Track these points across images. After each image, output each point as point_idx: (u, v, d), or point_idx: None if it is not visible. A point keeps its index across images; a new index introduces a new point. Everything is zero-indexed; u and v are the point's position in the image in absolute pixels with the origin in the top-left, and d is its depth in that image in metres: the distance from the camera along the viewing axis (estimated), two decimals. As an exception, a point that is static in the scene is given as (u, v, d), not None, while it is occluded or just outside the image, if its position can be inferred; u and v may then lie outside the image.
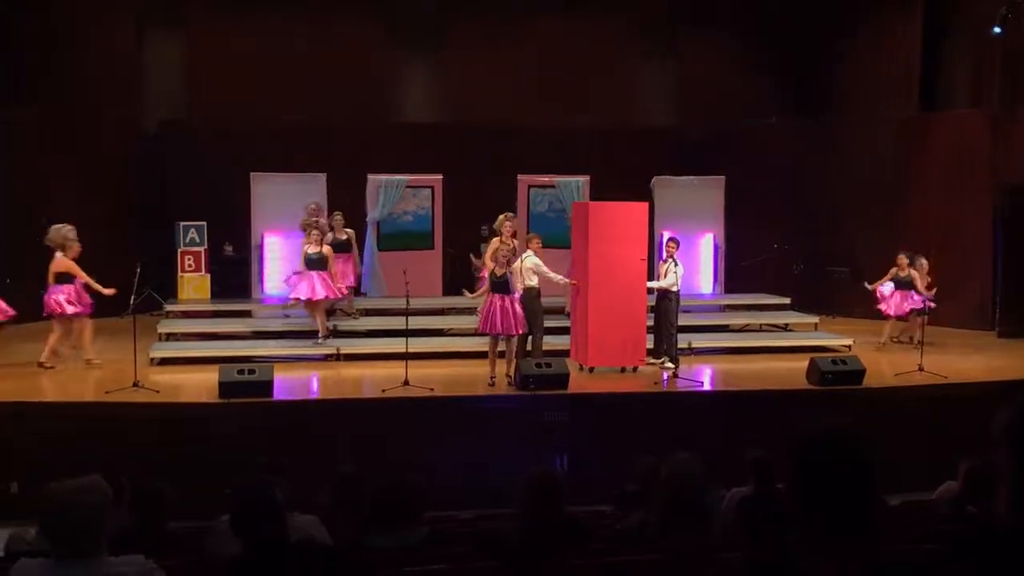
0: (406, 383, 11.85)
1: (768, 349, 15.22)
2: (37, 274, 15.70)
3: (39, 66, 17.44)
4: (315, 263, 14.11)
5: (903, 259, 15.14)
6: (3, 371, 12.78)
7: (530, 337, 13.14)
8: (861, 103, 19.07)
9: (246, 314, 16.21)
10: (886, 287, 15.19)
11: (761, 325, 16.68)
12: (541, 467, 5.80)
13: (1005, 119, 16.88)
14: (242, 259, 17.24)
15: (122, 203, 17.60)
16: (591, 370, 13.17)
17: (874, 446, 2.71)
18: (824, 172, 18.95)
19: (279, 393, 11.66)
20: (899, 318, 15.22)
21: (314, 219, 15.06)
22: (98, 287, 13.07)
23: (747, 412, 11.90)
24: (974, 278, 17.18)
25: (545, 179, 17.70)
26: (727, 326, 16.51)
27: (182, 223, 16.90)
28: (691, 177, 18.12)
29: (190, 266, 16.70)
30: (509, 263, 12.50)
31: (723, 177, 18.03)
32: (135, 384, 11.53)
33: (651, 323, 13.59)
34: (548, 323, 13.58)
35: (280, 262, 16.18)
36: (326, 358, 14.02)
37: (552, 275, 13.34)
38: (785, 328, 16.41)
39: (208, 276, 16.92)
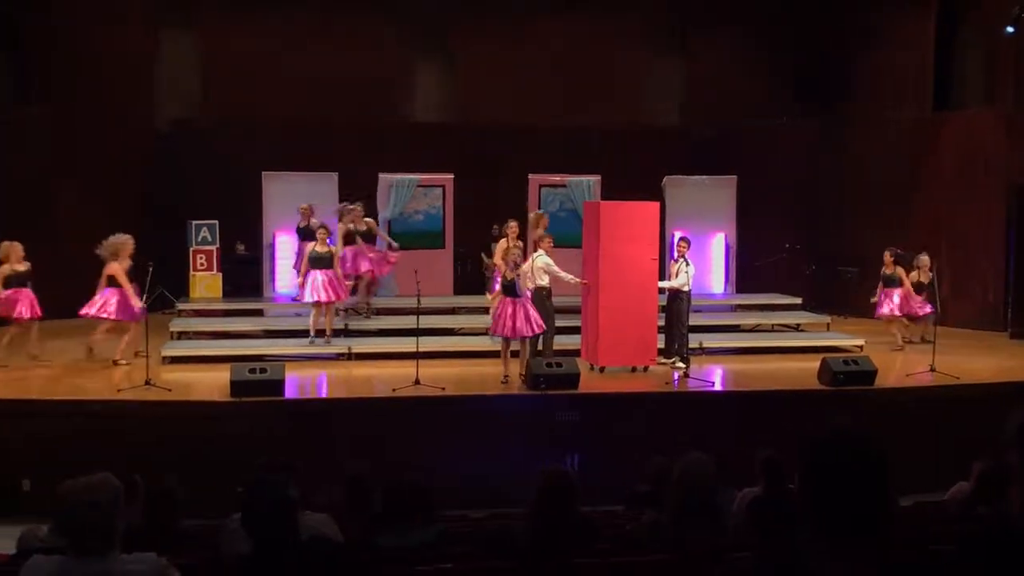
0: (417, 382, 11.85)
1: (780, 349, 15.19)
2: (47, 273, 15.80)
3: (51, 66, 17.51)
4: (321, 262, 14.13)
5: (888, 256, 15.18)
6: (18, 369, 12.87)
7: (540, 337, 13.14)
8: (873, 102, 19.01)
9: (258, 313, 16.26)
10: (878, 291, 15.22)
11: (773, 325, 16.65)
12: (553, 467, 5.80)
13: (1018, 119, 16.82)
14: (254, 258, 17.29)
15: (134, 202, 17.64)
16: (602, 370, 13.16)
17: (885, 447, 2.71)
18: (836, 172, 18.92)
19: (290, 392, 11.69)
20: (895, 316, 15.19)
21: (351, 207, 15.22)
22: (135, 300, 13.11)
23: (758, 412, 11.88)
24: (986, 279, 17.13)
25: (556, 179, 17.71)
26: (738, 326, 16.49)
27: (194, 222, 16.94)
28: (702, 177, 18.10)
29: (202, 265, 16.74)
30: (517, 265, 12.48)
31: (734, 177, 18.02)
32: (147, 382, 11.56)
33: (662, 323, 13.58)
34: (559, 323, 13.58)
35: (292, 261, 16.23)
36: (337, 357, 14.03)
37: (563, 274, 13.35)
38: (797, 328, 16.38)
39: (220, 275, 16.96)
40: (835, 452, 2.64)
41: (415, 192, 17.20)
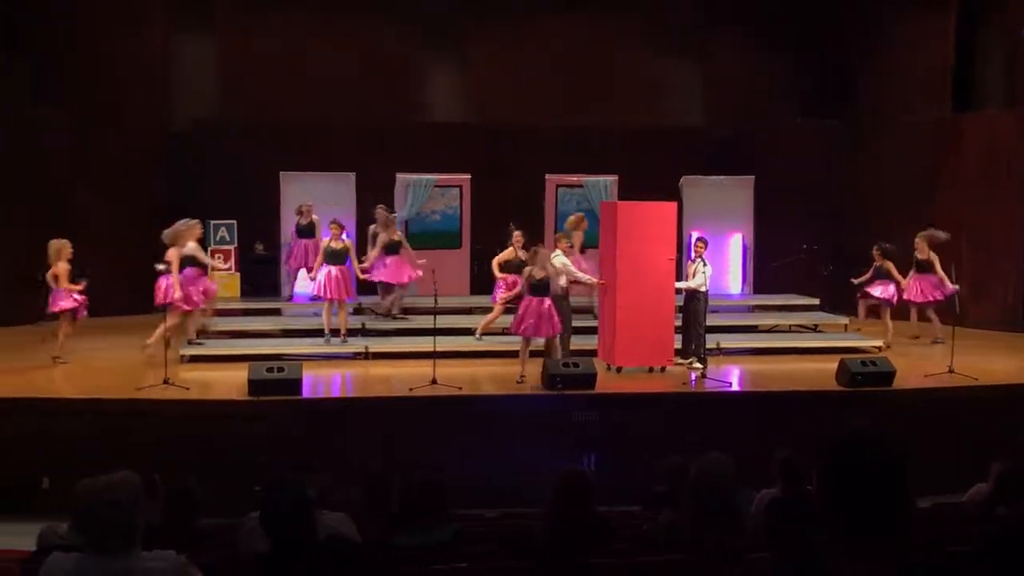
0: (434, 382, 11.87)
1: (797, 350, 15.13)
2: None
3: (69, 68, 17.60)
4: (335, 257, 14.17)
5: (876, 252, 15.29)
6: (38, 368, 12.97)
7: (558, 337, 13.15)
8: (892, 103, 18.92)
9: (275, 312, 16.30)
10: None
11: (790, 326, 16.59)
12: (571, 467, 5.81)
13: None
14: (272, 258, 17.34)
15: (152, 203, 17.70)
16: (619, 370, 13.15)
17: (904, 448, 2.70)
18: (854, 173, 18.84)
19: (308, 391, 11.72)
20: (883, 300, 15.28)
21: (392, 216, 15.46)
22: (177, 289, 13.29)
23: (776, 413, 11.85)
24: (1007, 280, 17.05)
25: (573, 179, 17.71)
26: (756, 327, 16.43)
27: (212, 222, 16.99)
28: (720, 177, 18.06)
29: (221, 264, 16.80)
30: (544, 266, 12.48)
31: (752, 177, 17.98)
32: (165, 381, 11.62)
33: (679, 323, 13.56)
34: (575, 323, 13.57)
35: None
36: (354, 356, 14.06)
37: (580, 275, 13.35)
38: (814, 329, 16.33)
39: (238, 274, 17.02)
40: (854, 452, 2.64)
41: (432, 192, 17.23)
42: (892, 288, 15.13)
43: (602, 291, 13.58)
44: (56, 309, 13.18)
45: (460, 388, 11.85)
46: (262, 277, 17.36)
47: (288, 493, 4.91)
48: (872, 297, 15.29)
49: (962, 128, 18.03)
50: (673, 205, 13.64)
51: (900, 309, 15.48)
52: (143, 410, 11.15)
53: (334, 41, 19.01)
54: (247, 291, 17.03)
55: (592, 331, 13.92)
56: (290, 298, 16.53)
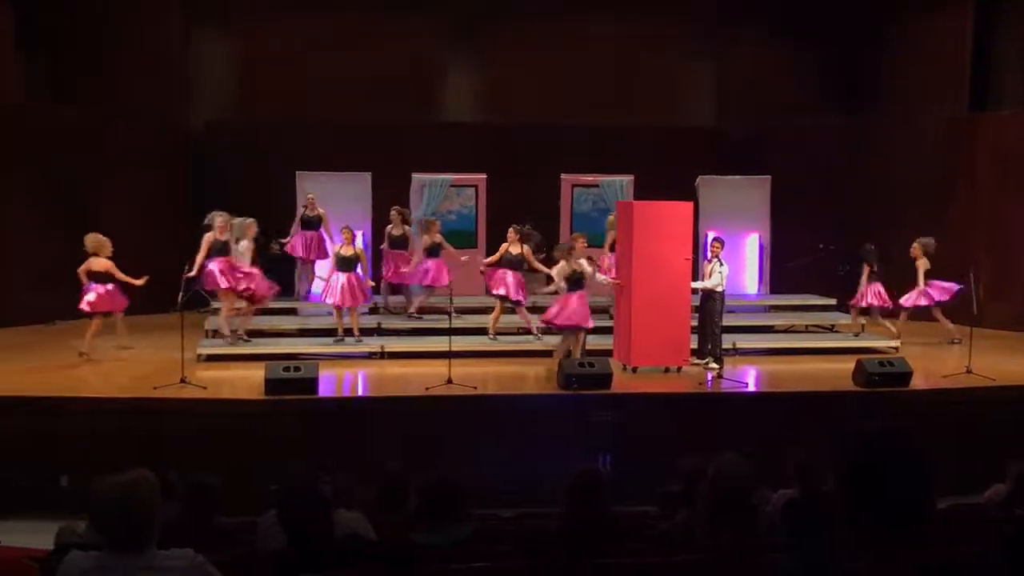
0: (449, 381, 11.88)
1: (814, 350, 15.09)
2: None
3: (86, 65, 17.71)
4: (346, 264, 14.17)
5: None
6: (55, 366, 13.03)
7: (574, 336, 13.16)
8: (909, 102, 18.86)
9: (292, 312, 16.33)
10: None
11: (807, 326, 16.54)
12: (586, 466, 5.81)
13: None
14: (288, 257, 17.35)
15: (169, 201, 17.80)
16: (634, 370, 13.14)
17: (922, 448, 2.69)
18: (871, 172, 18.77)
19: (324, 390, 11.75)
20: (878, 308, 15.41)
21: (431, 219, 15.66)
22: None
23: (792, 413, 11.81)
24: (1022, 280, 16.94)
25: (589, 178, 17.70)
26: (772, 327, 16.39)
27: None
28: (736, 176, 18.02)
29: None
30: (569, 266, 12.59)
31: (768, 177, 17.94)
32: (182, 380, 11.66)
33: (695, 323, 13.54)
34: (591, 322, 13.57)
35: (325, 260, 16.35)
36: (370, 356, 14.09)
37: (598, 276, 13.35)
38: (831, 329, 16.27)
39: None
40: (875, 453, 2.63)
41: (448, 192, 17.23)
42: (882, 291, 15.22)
43: (618, 291, 13.56)
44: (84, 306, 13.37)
45: (475, 388, 11.86)
46: (278, 276, 17.36)
47: (305, 492, 4.93)
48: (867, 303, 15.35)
49: (978, 128, 17.95)
50: (689, 205, 13.61)
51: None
52: (160, 409, 11.19)
53: (350, 41, 19.05)
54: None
55: (608, 331, 13.91)
56: (306, 296, 16.55)
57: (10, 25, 16.77)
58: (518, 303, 14.30)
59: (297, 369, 11.64)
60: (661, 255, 12.99)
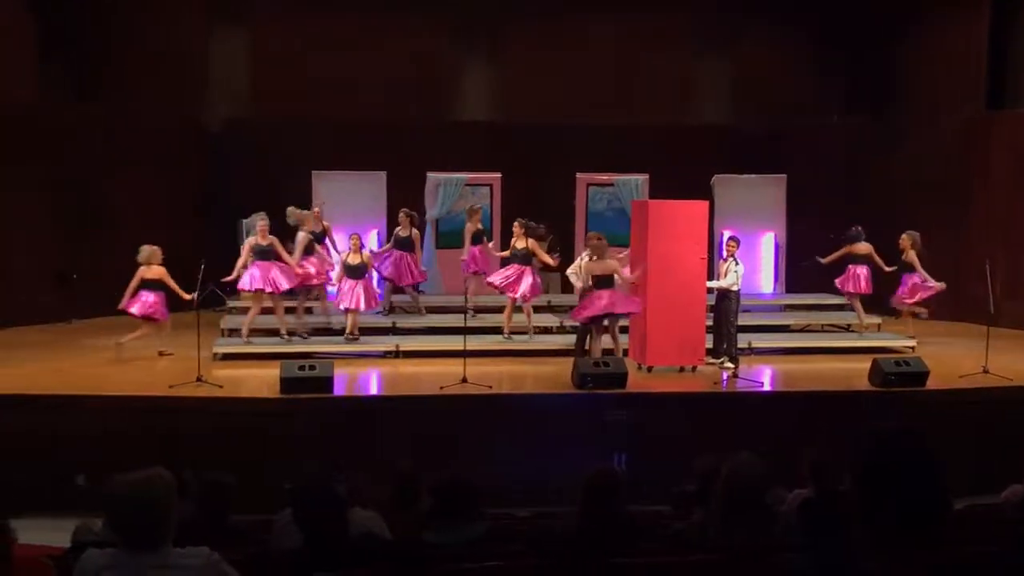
0: (464, 380, 11.89)
1: (830, 350, 15.04)
2: (98, 270, 16.04)
3: (103, 64, 17.80)
4: (355, 271, 14.16)
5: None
6: (69, 365, 13.09)
7: (588, 336, 13.15)
8: (925, 101, 18.78)
9: (307, 311, 16.34)
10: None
11: (822, 325, 16.49)
12: (601, 465, 5.80)
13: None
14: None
15: (187, 200, 17.86)
16: (649, 369, 13.12)
17: (939, 448, 2.68)
18: (887, 171, 18.69)
19: (339, 389, 11.77)
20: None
21: (477, 207, 15.77)
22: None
23: (808, 413, 11.78)
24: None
25: (604, 177, 17.68)
26: (788, 326, 16.34)
27: (244, 220, 17.08)
28: (752, 175, 17.98)
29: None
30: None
31: (784, 175, 17.89)
32: (198, 379, 11.71)
33: (710, 322, 13.51)
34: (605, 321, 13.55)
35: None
36: (385, 355, 14.11)
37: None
38: (847, 328, 16.21)
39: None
40: (891, 452, 2.62)
41: (462, 191, 17.23)
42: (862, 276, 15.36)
43: (633, 290, 13.54)
44: (125, 307, 13.47)
45: (490, 387, 11.87)
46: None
47: (321, 491, 4.94)
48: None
49: (995, 127, 17.84)
50: (704, 204, 13.59)
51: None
52: (176, 407, 11.23)
53: (367, 40, 19.10)
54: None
55: (623, 330, 13.89)
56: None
57: (28, 24, 16.83)
58: (515, 299, 14.30)
59: (312, 368, 11.66)
60: (676, 254, 12.96)
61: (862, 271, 15.32)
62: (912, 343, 14.67)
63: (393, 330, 15.05)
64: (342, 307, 14.23)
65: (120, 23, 17.98)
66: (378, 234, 16.55)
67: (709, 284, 13.45)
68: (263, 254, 13.97)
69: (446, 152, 18.11)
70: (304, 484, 5.06)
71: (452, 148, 18.35)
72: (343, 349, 14.07)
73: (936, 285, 15.02)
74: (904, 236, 15.30)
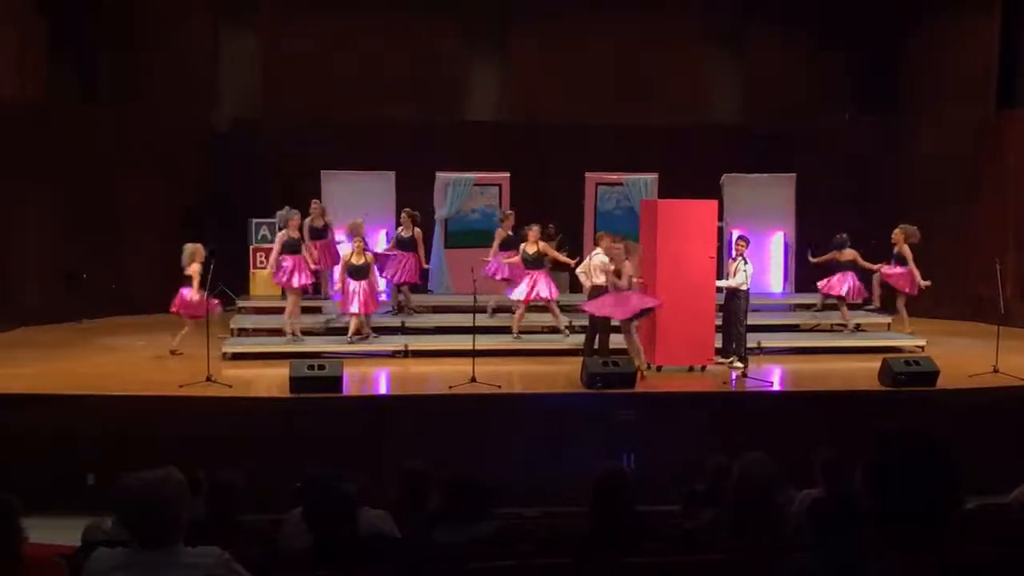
0: (473, 380, 11.89)
1: (839, 349, 15.02)
2: (110, 269, 16.07)
3: (112, 64, 17.82)
4: (359, 272, 14.09)
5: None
6: (80, 365, 13.13)
7: (597, 335, 13.15)
8: (935, 100, 18.73)
9: (316, 310, 16.37)
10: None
11: (832, 325, 16.45)
12: (610, 465, 5.80)
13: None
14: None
15: (195, 200, 17.88)
16: (659, 369, 13.11)
17: (949, 448, 2.67)
18: (898, 170, 18.65)
19: (348, 389, 11.78)
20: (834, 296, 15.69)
21: (508, 212, 15.76)
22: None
23: (817, 413, 11.76)
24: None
25: (613, 177, 17.66)
26: (797, 326, 16.31)
27: (254, 220, 17.12)
28: (761, 175, 17.95)
29: (262, 263, 16.86)
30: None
31: (794, 175, 17.86)
32: (208, 379, 11.73)
33: (720, 322, 13.49)
34: (615, 320, 13.55)
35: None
36: (394, 354, 14.12)
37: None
38: (857, 328, 16.18)
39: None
40: (900, 452, 2.61)
41: (471, 191, 17.24)
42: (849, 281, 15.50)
43: (642, 290, 13.53)
44: (176, 309, 13.62)
45: (499, 386, 11.87)
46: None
47: (331, 490, 4.94)
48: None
49: (1005, 126, 17.78)
50: (714, 203, 13.59)
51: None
52: (186, 407, 11.25)
53: (375, 40, 19.13)
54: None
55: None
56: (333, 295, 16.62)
57: (37, 24, 16.88)
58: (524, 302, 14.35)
59: (322, 367, 11.68)
60: (685, 254, 12.95)
61: (846, 277, 15.45)
62: (922, 342, 14.64)
63: (402, 329, 15.06)
64: (352, 311, 14.16)
65: (128, 24, 18.03)
66: (387, 234, 16.55)
67: (718, 283, 13.43)
68: (293, 248, 14.21)
69: (455, 152, 18.10)
70: (314, 483, 5.07)
71: (461, 148, 18.34)
72: (352, 349, 14.08)
73: (917, 279, 15.26)
74: (897, 230, 15.42)
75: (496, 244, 15.32)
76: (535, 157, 18.44)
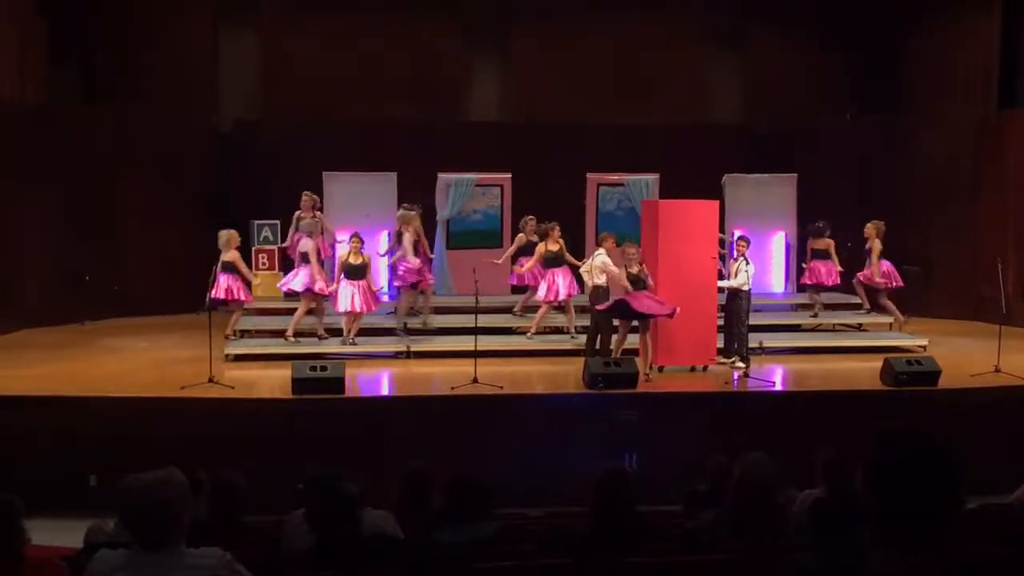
0: (475, 381, 11.90)
1: (841, 349, 15.02)
2: (111, 269, 16.06)
3: (115, 65, 17.84)
4: (355, 272, 14.03)
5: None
6: (82, 365, 13.14)
7: (599, 336, 13.15)
8: (936, 100, 18.70)
9: (318, 311, 16.36)
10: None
11: (834, 325, 16.45)
12: (612, 465, 5.80)
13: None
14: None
15: (197, 201, 17.88)
16: (660, 369, 13.12)
17: (950, 447, 2.68)
18: (899, 170, 18.63)
19: (350, 390, 11.78)
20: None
21: (529, 218, 15.71)
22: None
23: (819, 413, 11.76)
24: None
25: (614, 177, 17.64)
26: (799, 326, 16.30)
27: (256, 221, 17.11)
28: (763, 175, 17.94)
29: (264, 264, 16.89)
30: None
31: (795, 175, 17.85)
32: (210, 380, 11.73)
33: (721, 322, 13.50)
34: (616, 321, 13.55)
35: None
36: (396, 356, 14.12)
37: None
38: (859, 328, 16.18)
39: (282, 274, 17.07)
40: (901, 452, 2.62)
41: (473, 191, 17.22)
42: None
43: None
44: (220, 296, 13.80)
45: (501, 387, 11.87)
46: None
47: (334, 491, 4.95)
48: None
49: (1006, 125, 17.77)
50: (715, 203, 13.58)
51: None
52: (188, 408, 11.26)
53: (375, 40, 19.10)
54: (291, 291, 17.09)
55: (634, 330, 13.87)
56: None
57: (38, 25, 16.89)
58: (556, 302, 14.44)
59: (324, 368, 11.68)
60: (687, 254, 12.95)
61: (820, 266, 15.88)
62: (924, 342, 14.64)
63: (405, 330, 15.05)
64: (340, 310, 14.13)
65: (130, 24, 18.01)
66: (388, 235, 16.54)
67: (720, 284, 13.44)
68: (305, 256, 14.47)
69: (457, 152, 18.08)
70: (317, 484, 5.08)
71: (463, 148, 18.32)
72: (355, 350, 14.07)
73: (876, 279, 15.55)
74: (869, 225, 15.69)
75: (514, 248, 15.35)
76: (536, 157, 18.41)
